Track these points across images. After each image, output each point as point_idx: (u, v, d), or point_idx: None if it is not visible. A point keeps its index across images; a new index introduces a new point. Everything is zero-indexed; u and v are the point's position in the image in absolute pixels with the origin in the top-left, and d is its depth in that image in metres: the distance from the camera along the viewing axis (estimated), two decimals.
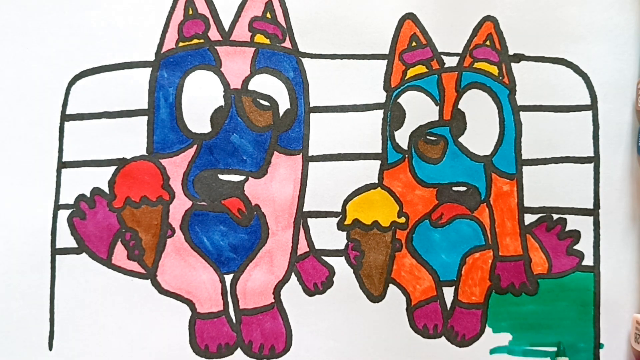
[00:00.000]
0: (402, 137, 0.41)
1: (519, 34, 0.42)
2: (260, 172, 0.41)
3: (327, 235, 0.41)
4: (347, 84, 0.41)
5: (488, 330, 0.41)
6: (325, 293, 0.41)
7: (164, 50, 0.41)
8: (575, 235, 0.42)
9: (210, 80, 0.41)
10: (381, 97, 0.41)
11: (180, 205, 0.41)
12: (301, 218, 0.41)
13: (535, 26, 0.42)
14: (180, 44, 0.41)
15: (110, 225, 0.40)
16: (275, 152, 0.41)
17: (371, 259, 0.41)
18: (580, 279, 0.41)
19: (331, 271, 0.41)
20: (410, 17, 0.42)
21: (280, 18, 0.41)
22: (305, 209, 0.41)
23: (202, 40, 0.41)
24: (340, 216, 0.41)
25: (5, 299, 0.40)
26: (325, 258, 0.41)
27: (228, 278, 0.41)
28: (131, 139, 0.41)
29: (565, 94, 0.42)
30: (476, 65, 0.42)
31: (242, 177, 0.41)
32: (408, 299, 0.41)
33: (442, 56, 0.42)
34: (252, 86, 0.41)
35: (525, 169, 0.42)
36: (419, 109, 0.41)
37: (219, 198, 0.41)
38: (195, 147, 0.41)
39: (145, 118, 0.41)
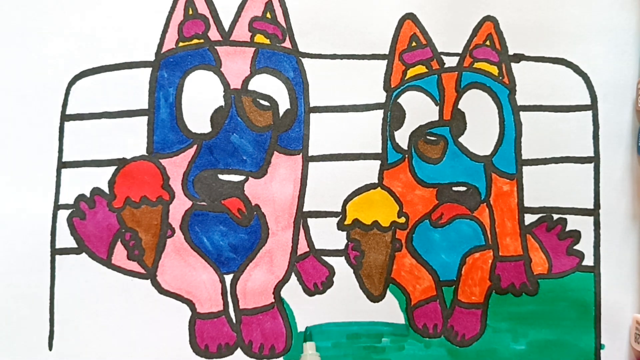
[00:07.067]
0: (402, 137, 0.41)
1: (519, 34, 0.42)
2: (260, 172, 0.41)
3: (327, 235, 0.41)
4: (347, 84, 0.41)
5: (488, 330, 0.41)
6: (325, 293, 0.41)
7: (164, 50, 0.41)
8: (576, 235, 0.41)
9: (210, 80, 0.41)
10: (381, 97, 0.41)
11: (180, 205, 0.41)
12: (301, 218, 0.41)
13: (535, 26, 0.42)
14: (180, 44, 0.41)
15: (110, 225, 0.40)
16: (275, 152, 0.41)
17: (371, 259, 0.41)
18: (581, 279, 0.41)
19: (331, 271, 0.41)
20: (410, 17, 0.42)
21: (280, 18, 0.41)
22: (305, 209, 0.41)
23: (202, 40, 0.41)
24: (340, 216, 0.41)
25: (5, 299, 0.40)
26: (325, 258, 0.41)
27: (228, 278, 0.41)
28: (131, 139, 0.41)
29: (565, 94, 0.42)
30: (476, 65, 0.42)
31: (242, 177, 0.41)
32: (408, 298, 0.41)
33: (442, 56, 0.42)
34: (252, 86, 0.41)
35: (525, 169, 0.41)
36: (419, 109, 0.41)
37: (219, 198, 0.41)
38: (195, 147, 0.41)
39: (145, 118, 0.41)
